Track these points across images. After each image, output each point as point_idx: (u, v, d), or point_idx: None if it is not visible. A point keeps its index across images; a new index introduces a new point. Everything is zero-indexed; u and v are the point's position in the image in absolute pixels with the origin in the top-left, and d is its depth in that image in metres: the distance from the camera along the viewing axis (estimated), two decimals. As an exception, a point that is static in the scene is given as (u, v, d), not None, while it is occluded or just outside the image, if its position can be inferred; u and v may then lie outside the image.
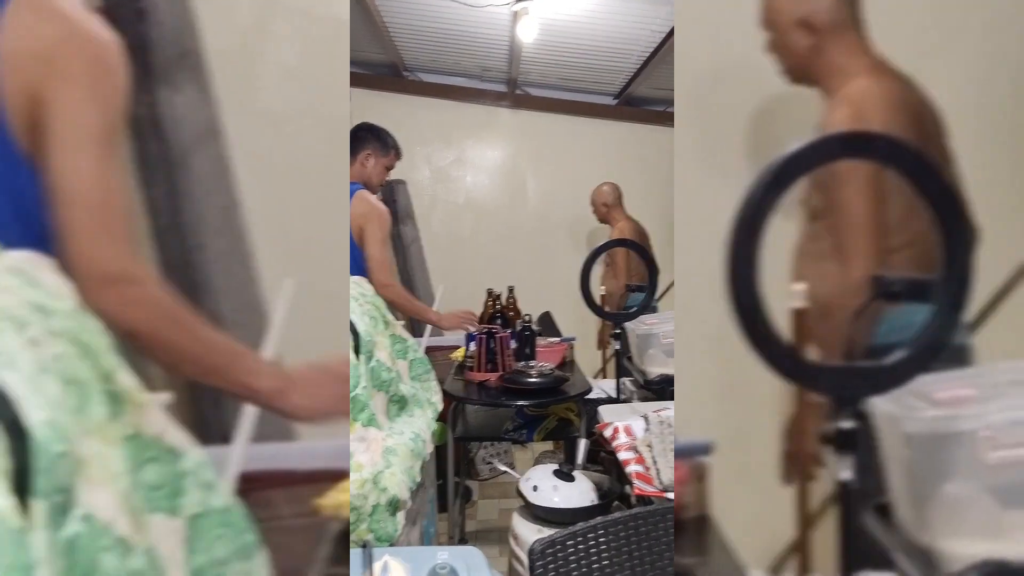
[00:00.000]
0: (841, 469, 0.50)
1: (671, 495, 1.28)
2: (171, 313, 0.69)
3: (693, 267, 1.38)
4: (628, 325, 2.29)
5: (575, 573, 1.12)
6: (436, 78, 4.00)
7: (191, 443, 0.48)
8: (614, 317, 2.16)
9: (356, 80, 3.80)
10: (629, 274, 3.22)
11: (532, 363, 2.18)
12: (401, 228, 3.36)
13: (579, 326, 3.66)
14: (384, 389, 1.48)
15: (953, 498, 0.58)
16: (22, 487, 0.35)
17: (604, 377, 3.24)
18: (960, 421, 0.58)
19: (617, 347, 2.15)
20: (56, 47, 0.66)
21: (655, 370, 2.24)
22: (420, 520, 1.51)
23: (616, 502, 1.58)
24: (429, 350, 2.35)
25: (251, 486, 0.68)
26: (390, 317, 1.64)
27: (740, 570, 0.63)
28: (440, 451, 2.13)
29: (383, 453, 1.23)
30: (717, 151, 1.59)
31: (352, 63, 4.03)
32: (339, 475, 0.71)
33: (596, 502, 1.54)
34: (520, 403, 2.08)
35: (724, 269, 0.51)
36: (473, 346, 2.19)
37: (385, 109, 3.69)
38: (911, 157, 0.52)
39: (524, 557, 1.45)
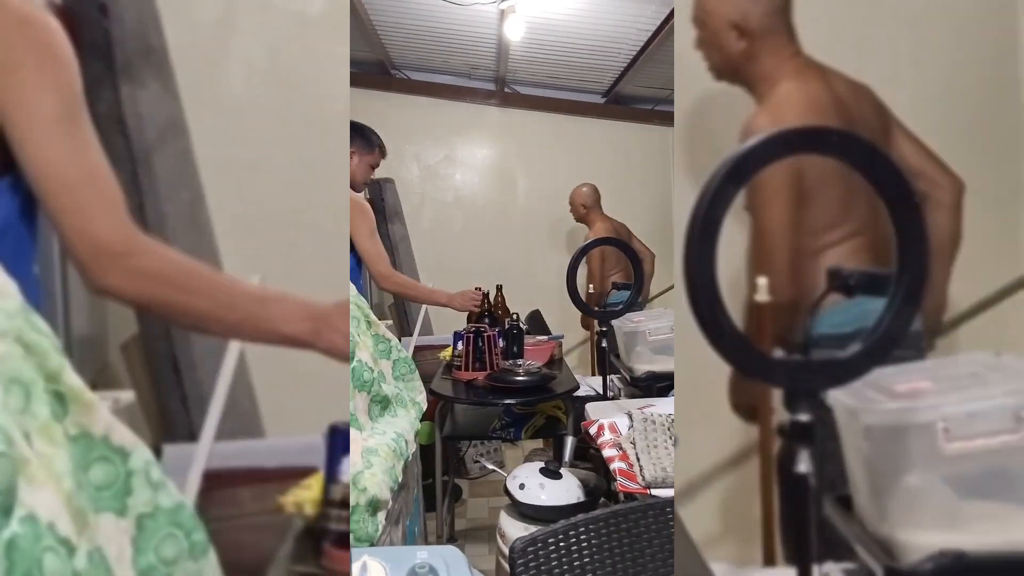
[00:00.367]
0: (798, 462, 0.50)
1: (654, 491, 1.28)
2: (182, 278, 0.68)
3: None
4: (615, 323, 2.29)
5: (556, 571, 1.12)
6: (424, 76, 3.99)
7: (139, 442, 0.48)
8: (601, 315, 2.17)
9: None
10: (604, 274, 3.23)
11: (520, 361, 2.18)
12: (390, 226, 3.35)
13: (569, 324, 3.66)
14: (366, 389, 1.48)
15: (911, 489, 0.59)
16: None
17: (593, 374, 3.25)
18: (918, 413, 0.59)
19: (603, 344, 2.16)
20: None
21: (642, 367, 2.24)
22: (403, 520, 1.51)
23: (603, 499, 1.58)
24: (417, 349, 2.34)
25: (218, 483, 0.68)
26: (373, 317, 1.64)
27: (703, 563, 0.64)
28: (428, 450, 2.12)
29: (363, 453, 1.23)
30: (717, 151, 1.59)
31: (339, 62, 4.00)
32: (307, 472, 0.71)
33: (583, 499, 1.54)
34: (508, 401, 2.08)
35: (681, 264, 0.51)
36: (461, 345, 2.18)
37: (373, 107, 3.68)
38: (864, 151, 0.53)
39: (511, 555, 1.45)
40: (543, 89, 4.07)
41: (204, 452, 0.66)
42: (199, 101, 1.03)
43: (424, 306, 3.08)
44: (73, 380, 0.44)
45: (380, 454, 1.29)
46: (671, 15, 2.73)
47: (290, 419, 1.17)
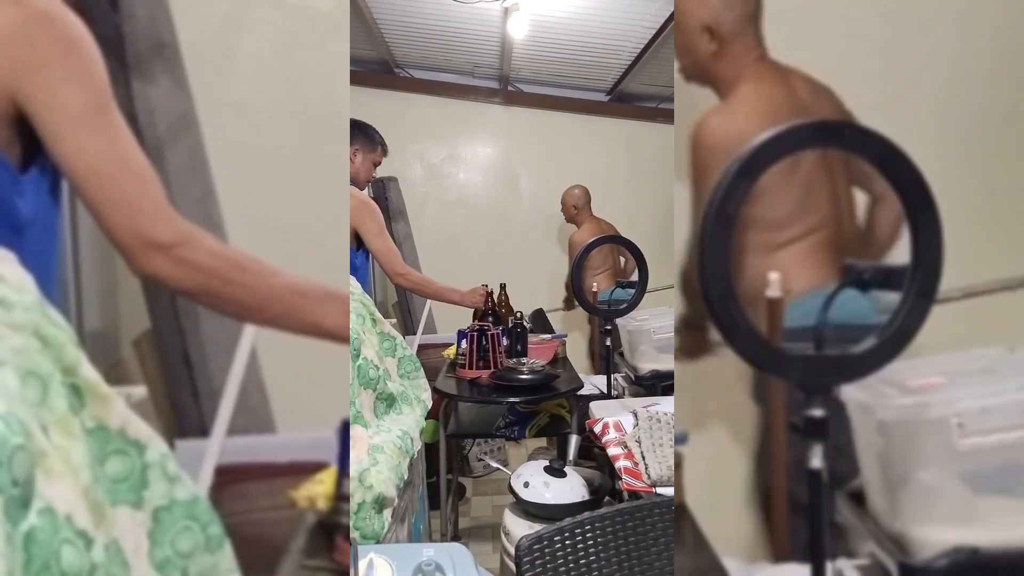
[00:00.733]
0: (812, 457, 0.50)
1: (660, 490, 1.28)
2: (228, 268, 0.68)
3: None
4: (619, 321, 2.29)
5: (562, 569, 1.12)
6: (427, 75, 3.99)
7: (155, 436, 0.48)
8: (605, 313, 2.17)
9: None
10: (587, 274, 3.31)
11: (524, 360, 2.18)
12: (393, 225, 3.35)
13: (573, 322, 3.67)
14: (371, 387, 1.48)
15: (925, 485, 0.58)
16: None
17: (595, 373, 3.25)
18: (932, 408, 0.58)
19: (607, 343, 2.16)
20: (18, 36, 0.65)
21: (646, 366, 2.24)
22: (409, 517, 1.51)
23: (607, 498, 1.58)
24: (421, 347, 2.34)
25: (229, 478, 0.68)
26: (378, 315, 1.64)
27: (715, 559, 0.64)
28: (433, 448, 2.12)
29: (369, 450, 1.23)
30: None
31: (342, 60, 4.00)
32: (317, 467, 0.71)
33: (587, 498, 1.54)
34: (512, 400, 2.07)
35: (696, 259, 0.51)
36: (465, 343, 2.18)
37: (376, 106, 3.68)
38: (877, 145, 0.52)
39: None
40: (546, 87, 4.07)
41: (216, 447, 0.66)
42: (209, 97, 1.03)
43: (428, 305, 3.08)
44: (90, 373, 0.44)
45: (386, 451, 1.29)
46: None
47: (301, 414, 1.17)
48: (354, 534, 1.06)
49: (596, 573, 1.14)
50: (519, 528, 1.51)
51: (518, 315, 2.47)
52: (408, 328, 3.17)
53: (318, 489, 0.64)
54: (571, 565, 1.14)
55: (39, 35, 0.65)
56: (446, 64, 3.87)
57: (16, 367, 0.39)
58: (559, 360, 2.47)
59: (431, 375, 1.91)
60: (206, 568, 0.47)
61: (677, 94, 1.30)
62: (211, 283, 0.67)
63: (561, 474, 1.60)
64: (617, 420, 1.61)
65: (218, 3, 1.14)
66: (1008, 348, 0.63)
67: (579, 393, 2.11)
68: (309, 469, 0.70)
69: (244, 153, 1.14)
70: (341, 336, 0.72)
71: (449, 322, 3.04)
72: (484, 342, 2.17)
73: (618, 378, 2.33)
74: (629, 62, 3.56)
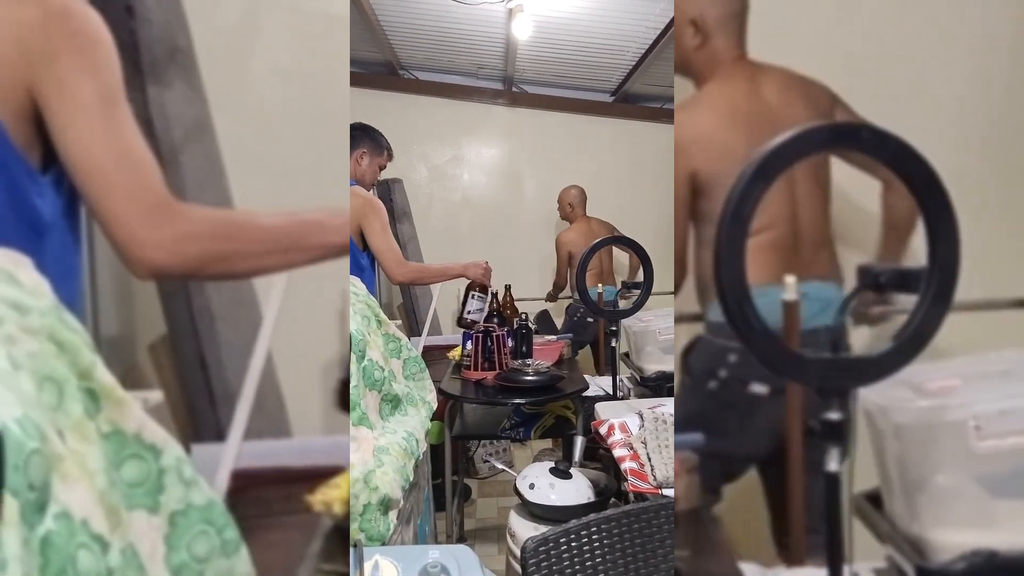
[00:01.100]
0: (829, 460, 0.50)
1: (666, 491, 1.27)
2: (225, 228, 0.69)
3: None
4: (625, 322, 2.29)
5: (568, 571, 1.12)
6: (432, 76, 3.99)
7: (171, 440, 0.47)
8: (611, 314, 2.16)
9: (351, 79, 3.79)
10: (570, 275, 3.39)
11: (529, 361, 2.18)
12: (398, 226, 3.35)
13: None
14: (376, 388, 1.47)
15: (942, 488, 0.58)
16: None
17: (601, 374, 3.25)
18: (949, 411, 0.58)
19: (613, 344, 2.15)
20: (35, 30, 0.65)
21: (652, 367, 2.24)
22: (414, 519, 1.50)
23: (613, 499, 1.58)
24: (426, 349, 2.34)
25: (245, 483, 0.68)
26: (383, 316, 1.63)
27: (733, 563, 0.63)
28: (438, 450, 2.12)
29: (374, 452, 1.22)
30: None
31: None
32: (334, 471, 0.71)
33: (593, 499, 1.53)
34: (517, 401, 2.07)
35: (712, 261, 0.50)
36: (470, 345, 2.18)
37: (381, 108, 3.68)
38: (895, 148, 0.52)
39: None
40: (551, 88, 4.07)
41: (232, 451, 0.66)
42: (224, 101, 1.03)
43: (433, 306, 3.07)
44: (105, 377, 0.44)
45: (391, 453, 1.29)
46: (680, 14, 2.71)
47: (317, 418, 1.17)
48: (359, 536, 1.06)
49: (602, 575, 1.14)
50: (525, 530, 1.51)
51: (523, 316, 2.46)
52: (413, 330, 3.17)
53: (334, 493, 0.64)
54: (577, 567, 1.14)
55: (55, 29, 0.66)
56: (450, 66, 3.87)
57: (32, 371, 0.38)
58: (564, 361, 2.47)
59: (436, 377, 1.91)
60: (222, 572, 0.47)
61: (677, 94, 1.31)
62: (214, 248, 0.67)
63: (567, 475, 1.59)
64: (623, 421, 1.60)
65: (232, 8, 1.14)
66: (1025, 351, 0.62)
67: (584, 394, 2.11)
68: (325, 473, 0.69)
69: (259, 157, 1.14)
70: (345, 250, 0.75)
71: (454, 324, 3.04)
72: (489, 343, 2.16)
73: (623, 379, 2.32)
74: (633, 63, 3.56)
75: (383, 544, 1.08)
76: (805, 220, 1.18)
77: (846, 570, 0.51)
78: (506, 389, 2.02)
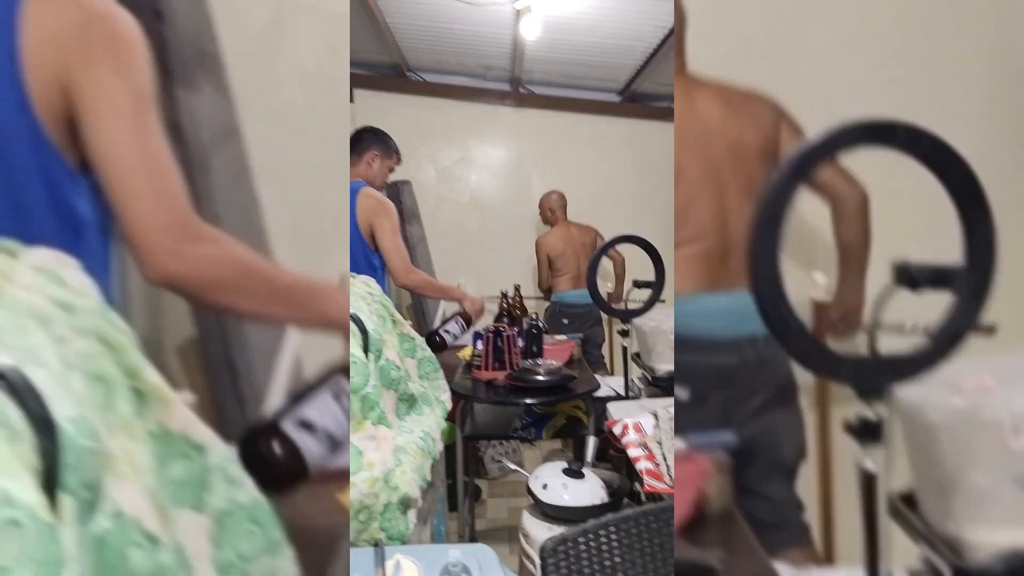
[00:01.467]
0: (866, 460, 0.50)
1: (682, 491, 1.27)
2: (243, 263, 0.70)
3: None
4: (636, 321, 2.28)
5: (587, 571, 1.12)
6: (439, 78, 4.00)
7: (216, 439, 0.48)
8: (622, 314, 2.16)
9: (360, 81, 3.81)
10: (549, 276, 3.51)
11: (540, 361, 2.18)
12: (407, 228, 3.36)
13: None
14: (393, 388, 1.48)
15: (978, 487, 0.58)
16: (49, 484, 0.35)
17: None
18: (985, 409, 0.58)
19: (624, 344, 2.15)
20: (74, 32, 0.66)
21: (663, 367, 2.23)
22: (431, 519, 1.50)
23: (626, 499, 1.57)
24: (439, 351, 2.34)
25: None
26: (398, 316, 1.64)
27: (767, 563, 0.63)
28: (449, 450, 2.12)
29: (393, 451, 1.23)
30: None
31: (355, 64, 4.04)
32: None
33: (606, 500, 1.53)
34: (528, 401, 2.07)
35: (746, 260, 0.50)
36: (480, 345, 2.18)
37: (389, 110, 3.69)
38: (930, 147, 0.52)
39: (535, 555, 1.45)
40: (558, 88, 4.07)
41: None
42: (251, 105, 1.04)
43: (442, 307, 3.08)
44: (152, 377, 0.44)
45: (409, 452, 1.29)
46: (689, 13, 2.71)
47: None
48: (380, 535, 1.06)
49: (621, 574, 1.14)
50: (538, 530, 1.51)
51: (533, 316, 2.47)
52: (422, 330, 3.17)
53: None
54: (596, 567, 1.14)
55: (94, 32, 0.67)
56: (458, 67, 3.87)
57: (83, 371, 0.39)
58: (574, 361, 2.46)
59: (446, 377, 1.91)
60: (267, 572, 0.47)
61: (677, 96, 1.32)
62: (231, 276, 0.68)
63: (579, 476, 1.59)
64: (637, 421, 1.60)
65: (258, 12, 1.15)
66: (1061, 348, 0.62)
67: (596, 395, 2.11)
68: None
69: (285, 160, 1.15)
70: (344, 327, 0.76)
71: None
72: (500, 343, 2.17)
73: (634, 379, 2.32)
74: (641, 62, 3.56)
75: (403, 543, 1.09)
76: (735, 230, 1.20)
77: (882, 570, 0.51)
78: (517, 389, 2.02)
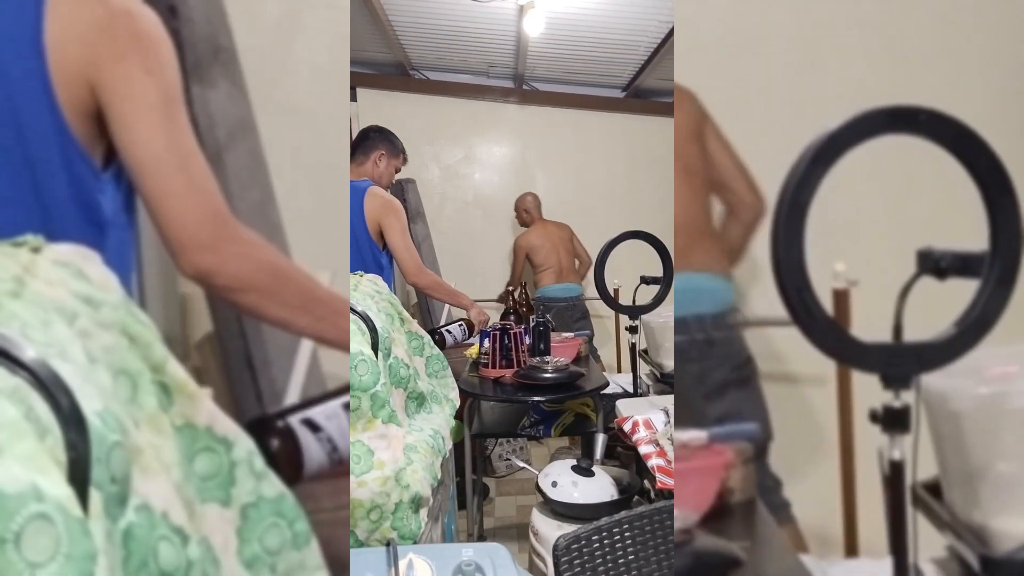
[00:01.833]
0: (893, 449, 0.49)
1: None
2: (278, 267, 0.70)
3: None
4: (644, 318, 2.28)
5: (601, 568, 1.12)
6: (442, 76, 3.99)
7: (242, 433, 0.48)
8: (630, 310, 2.15)
9: (363, 80, 3.81)
10: (521, 273, 3.58)
11: (547, 358, 2.17)
12: (412, 227, 3.36)
13: (594, 320, 3.65)
14: (402, 386, 1.47)
15: (1005, 476, 0.57)
16: (77, 478, 0.35)
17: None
18: (1011, 398, 0.57)
19: (633, 340, 2.14)
20: (100, 29, 0.66)
21: (671, 363, 2.22)
22: (442, 517, 1.50)
23: (637, 496, 1.57)
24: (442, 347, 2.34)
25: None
26: (405, 314, 1.63)
27: (791, 554, 0.63)
28: (457, 448, 2.12)
29: (404, 450, 1.22)
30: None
31: (358, 63, 4.03)
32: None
33: (616, 497, 1.53)
34: (536, 399, 2.07)
35: (771, 249, 0.50)
36: (487, 343, 2.18)
37: (392, 108, 3.69)
38: (954, 132, 0.51)
39: (545, 553, 1.45)
40: (562, 85, 4.06)
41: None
42: (266, 100, 1.03)
43: (447, 305, 3.08)
44: (177, 371, 0.44)
45: (419, 451, 1.28)
46: (693, 8, 2.70)
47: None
48: (392, 534, 1.06)
49: (635, 572, 1.13)
50: (548, 528, 1.51)
51: (540, 313, 2.46)
52: (427, 328, 3.17)
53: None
54: (610, 564, 1.13)
55: (120, 29, 0.67)
56: (461, 65, 3.87)
57: (107, 365, 0.39)
58: (582, 358, 2.46)
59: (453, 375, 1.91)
60: (293, 565, 0.47)
61: (677, 90, 1.31)
62: (255, 287, 0.68)
63: (589, 473, 1.59)
64: (647, 418, 1.59)
65: (273, 7, 1.14)
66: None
67: (604, 392, 2.10)
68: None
69: (300, 156, 1.15)
70: (345, 346, 0.76)
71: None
72: (507, 341, 2.16)
73: (642, 376, 2.31)
74: (645, 57, 3.55)
75: (415, 543, 1.08)
76: (680, 216, 1.22)
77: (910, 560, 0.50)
78: (525, 386, 2.01)
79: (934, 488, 0.64)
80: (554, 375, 2.02)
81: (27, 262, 0.41)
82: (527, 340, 2.25)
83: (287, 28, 1.18)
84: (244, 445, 0.47)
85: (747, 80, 1.29)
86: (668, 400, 1.71)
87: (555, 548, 1.09)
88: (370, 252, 2.14)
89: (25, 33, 0.64)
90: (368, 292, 1.44)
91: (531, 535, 1.58)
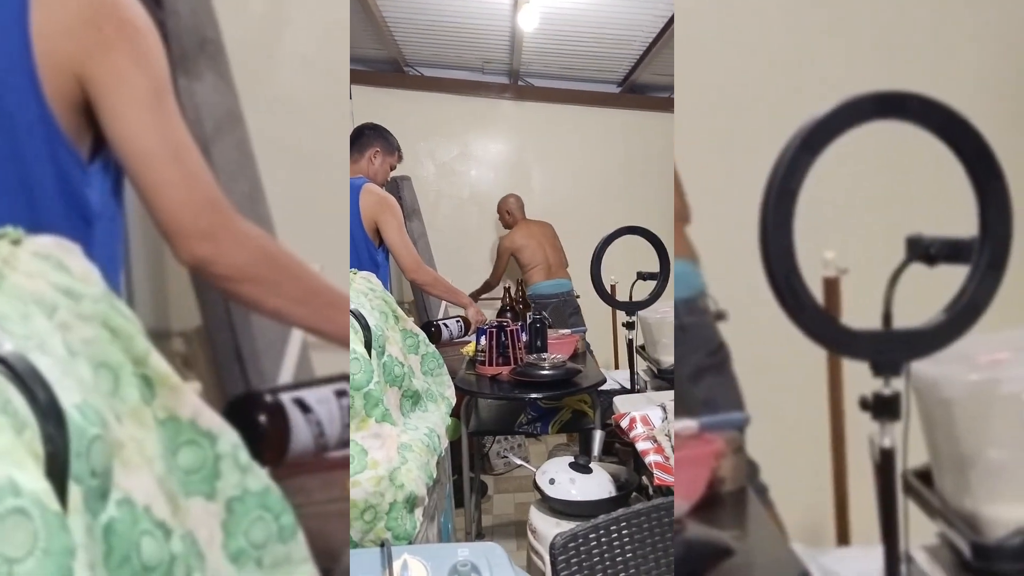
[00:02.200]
0: (883, 436, 0.49)
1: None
2: (276, 257, 0.70)
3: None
4: (641, 314, 2.27)
5: (599, 566, 1.12)
6: (437, 72, 3.98)
7: (226, 426, 0.47)
8: (627, 306, 2.15)
9: (357, 77, 3.80)
10: (526, 269, 3.58)
11: (544, 355, 2.17)
12: (408, 224, 3.36)
13: (591, 317, 3.65)
14: (397, 384, 1.47)
15: (996, 463, 0.57)
16: (56, 472, 0.35)
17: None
18: (1001, 384, 0.57)
19: (630, 336, 2.14)
20: (86, 21, 0.66)
21: (668, 359, 2.22)
22: (438, 516, 1.50)
23: (634, 493, 1.57)
24: (438, 345, 2.34)
25: (286, 472, 0.68)
26: (400, 312, 1.63)
27: (781, 542, 0.62)
28: (454, 446, 2.12)
29: (398, 449, 1.22)
30: (719, 142, 1.59)
31: (353, 60, 4.02)
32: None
33: (614, 494, 1.53)
34: (533, 396, 2.07)
35: (759, 236, 0.50)
36: (484, 340, 2.17)
37: (387, 105, 3.68)
38: (943, 117, 0.51)
39: (543, 551, 1.44)
40: (557, 80, 4.05)
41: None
42: (253, 92, 1.03)
43: (444, 302, 3.08)
44: (160, 364, 0.44)
45: (414, 450, 1.28)
46: (687, 2, 2.70)
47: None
48: (386, 535, 1.05)
49: (632, 570, 1.13)
50: (546, 525, 1.50)
51: (536, 310, 2.46)
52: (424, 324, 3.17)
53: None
54: (607, 562, 1.13)
55: (106, 20, 0.66)
56: (456, 61, 3.86)
57: (88, 358, 0.38)
58: (579, 355, 2.46)
59: (450, 373, 1.91)
60: (279, 558, 0.47)
61: (677, 85, 1.30)
62: (253, 277, 0.68)
63: (587, 470, 1.58)
64: (644, 414, 1.59)
65: None
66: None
67: (601, 388, 2.10)
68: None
69: (288, 148, 1.14)
70: (345, 340, 0.75)
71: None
72: (503, 338, 2.16)
73: (640, 372, 2.31)
74: (641, 52, 3.54)
75: (409, 543, 1.08)
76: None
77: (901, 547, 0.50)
78: (522, 384, 2.01)
79: (925, 475, 0.64)
80: (551, 372, 2.02)
81: (6, 254, 0.41)
82: (524, 337, 2.25)
83: (274, 20, 1.17)
84: (229, 438, 0.46)
85: (747, 72, 1.28)
86: (665, 396, 1.71)
87: (552, 546, 1.09)
88: (365, 250, 2.14)
89: (10, 25, 0.64)
90: (361, 290, 1.44)
91: (529, 532, 1.58)
